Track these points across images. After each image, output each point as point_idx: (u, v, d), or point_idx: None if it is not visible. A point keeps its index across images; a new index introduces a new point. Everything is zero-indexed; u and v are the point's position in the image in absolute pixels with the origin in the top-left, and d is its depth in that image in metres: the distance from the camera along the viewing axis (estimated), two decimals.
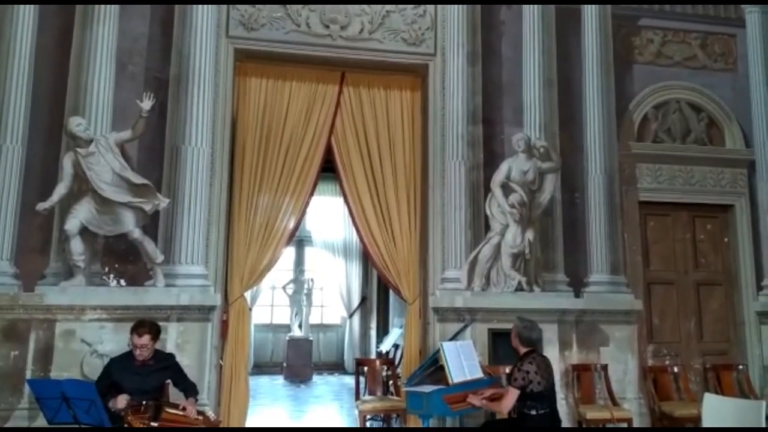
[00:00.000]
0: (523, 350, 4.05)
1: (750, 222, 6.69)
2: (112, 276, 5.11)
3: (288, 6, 5.79)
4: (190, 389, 4.14)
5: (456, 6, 6.00)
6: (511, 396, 3.90)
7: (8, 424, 4.69)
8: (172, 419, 3.81)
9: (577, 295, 5.88)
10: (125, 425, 3.68)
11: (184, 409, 3.89)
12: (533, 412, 3.87)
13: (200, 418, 3.94)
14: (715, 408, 3.77)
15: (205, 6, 5.51)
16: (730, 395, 5.57)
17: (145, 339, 3.98)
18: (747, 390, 5.97)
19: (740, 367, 6.17)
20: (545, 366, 3.97)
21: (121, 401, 3.78)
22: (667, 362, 6.23)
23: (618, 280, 5.98)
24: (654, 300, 6.49)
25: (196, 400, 4.12)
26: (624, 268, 6.07)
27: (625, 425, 5.32)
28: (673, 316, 6.53)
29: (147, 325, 4.06)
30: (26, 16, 5.17)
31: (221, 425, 4.61)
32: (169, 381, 4.23)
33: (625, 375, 5.80)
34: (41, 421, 4.11)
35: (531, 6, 6.17)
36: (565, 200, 6.05)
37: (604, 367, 5.69)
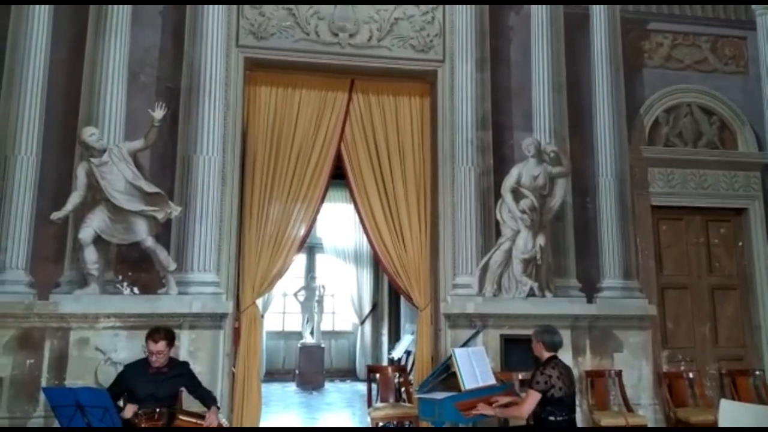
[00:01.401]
0: (546, 356, 4.02)
1: (764, 225, 6.62)
2: (125, 284, 5.16)
3: (297, 14, 5.83)
4: (207, 398, 4.13)
5: (464, 12, 6.02)
6: (532, 399, 3.85)
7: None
8: (186, 426, 3.82)
9: (590, 300, 5.84)
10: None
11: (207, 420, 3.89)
12: (551, 418, 3.82)
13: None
14: (731, 414, 3.72)
15: (215, 16, 5.57)
16: (747, 401, 5.48)
17: (161, 345, 3.99)
18: (764, 395, 5.88)
19: (757, 372, 6.08)
20: (567, 373, 3.94)
21: (128, 411, 3.75)
22: (682, 368, 6.16)
23: (631, 285, 5.94)
24: (668, 305, 6.43)
25: (218, 408, 4.12)
26: (637, 272, 6.03)
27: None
28: (688, 321, 6.46)
29: (162, 331, 4.06)
30: (40, 27, 5.26)
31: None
32: (183, 389, 4.24)
33: (639, 381, 5.76)
34: None
35: (539, 11, 6.17)
36: (576, 205, 6.02)
37: (619, 373, 5.64)
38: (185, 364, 4.34)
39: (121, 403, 3.88)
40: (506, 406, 4.23)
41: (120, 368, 4.37)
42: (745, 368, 6.18)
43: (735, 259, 6.70)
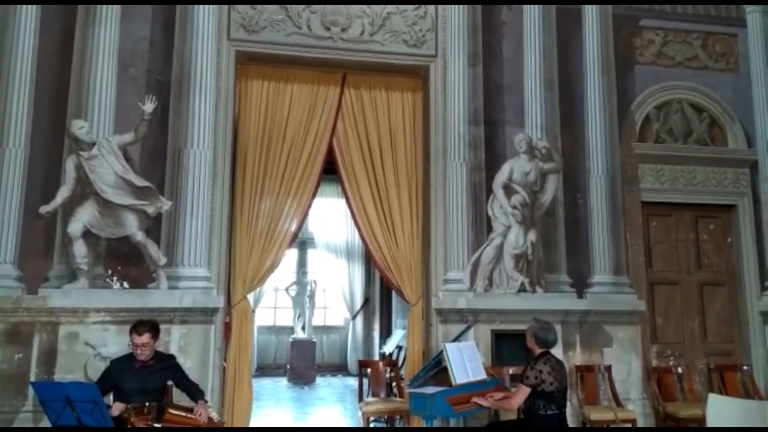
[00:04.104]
0: (538, 351, 4.05)
1: (753, 222, 6.66)
2: (115, 278, 5.12)
3: (289, 8, 5.80)
4: (195, 391, 4.14)
5: (456, 7, 6.01)
6: (521, 394, 3.90)
7: (13, 426, 4.70)
8: (176, 420, 3.81)
9: (580, 295, 5.87)
10: (128, 426, 3.68)
11: (196, 412, 3.89)
12: (542, 412, 3.87)
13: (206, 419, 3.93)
14: (719, 408, 3.76)
15: (206, 8, 5.53)
16: (735, 396, 5.55)
17: (146, 337, 3.99)
18: (752, 390, 5.94)
19: (745, 367, 6.14)
20: (559, 368, 3.97)
21: (116, 409, 3.73)
22: (671, 363, 6.20)
23: (621, 281, 5.97)
24: (657, 300, 6.46)
25: (206, 401, 4.12)
26: (627, 268, 6.06)
27: (629, 426, 5.31)
28: (677, 316, 6.50)
29: (146, 324, 4.06)
30: (28, 19, 5.20)
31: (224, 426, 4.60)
32: (170, 382, 4.23)
33: (628, 376, 5.79)
34: (45, 424, 4.12)
35: (532, 7, 6.17)
36: (567, 201, 6.04)
37: (608, 368, 5.68)
38: (171, 357, 4.34)
39: (109, 401, 3.85)
40: (498, 399, 4.27)
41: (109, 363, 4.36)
42: (733, 363, 6.24)
43: (724, 256, 6.74)
